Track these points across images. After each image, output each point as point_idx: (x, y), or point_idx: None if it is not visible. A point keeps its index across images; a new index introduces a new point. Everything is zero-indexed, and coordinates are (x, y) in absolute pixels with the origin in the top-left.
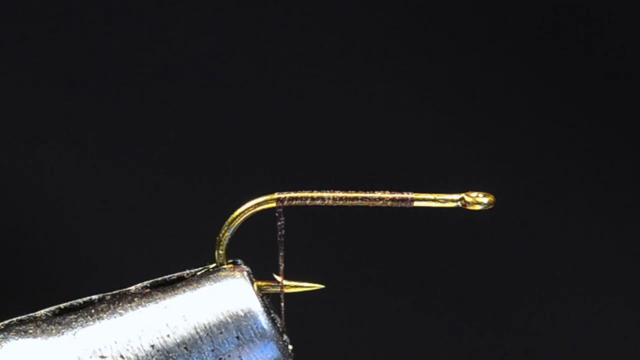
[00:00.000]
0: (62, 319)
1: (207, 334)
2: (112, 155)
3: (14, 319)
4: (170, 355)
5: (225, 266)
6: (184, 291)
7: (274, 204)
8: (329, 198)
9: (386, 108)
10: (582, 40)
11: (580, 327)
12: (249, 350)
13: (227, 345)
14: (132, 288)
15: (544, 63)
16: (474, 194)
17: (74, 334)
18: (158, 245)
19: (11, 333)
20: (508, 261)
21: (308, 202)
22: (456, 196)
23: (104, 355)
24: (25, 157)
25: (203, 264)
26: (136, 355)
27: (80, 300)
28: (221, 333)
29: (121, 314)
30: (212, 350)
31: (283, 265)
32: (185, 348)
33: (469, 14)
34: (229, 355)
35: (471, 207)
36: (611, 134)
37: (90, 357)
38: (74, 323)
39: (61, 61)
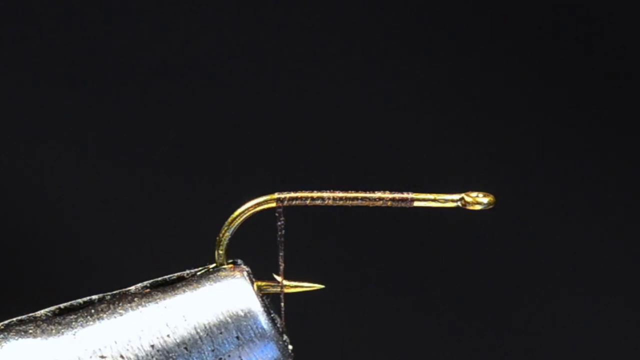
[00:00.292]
0: (62, 319)
1: (207, 334)
2: (112, 155)
3: (14, 319)
4: (170, 355)
5: (225, 266)
6: (184, 291)
7: (274, 204)
8: (329, 198)
9: (386, 108)
10: (582, 40)
11: (580, 327)
12: (249, 350)
13: (227, 345)
14: (132, 288)
15: (544, 63)
16: (474, 194)
17: (74, 334)
18: (158, 245)
19: (11, 333)
20: (508, 261)
21: (308, 202)
22: (456, 196)
23: (104, 355)
24: (25, 157)
25: (203, 264)
26: (136, 355)
27: (80, 300)
28: (221, 333)
29: (121, 314)
30: (212, 350)
31: (283, 265)
32: (185, 348)
33: (469, 14)
34: (229, 355)
35: (471, 207)
36: (611, 134)
37: (90, 357)
38: (74, 323)
39: (61, 61)
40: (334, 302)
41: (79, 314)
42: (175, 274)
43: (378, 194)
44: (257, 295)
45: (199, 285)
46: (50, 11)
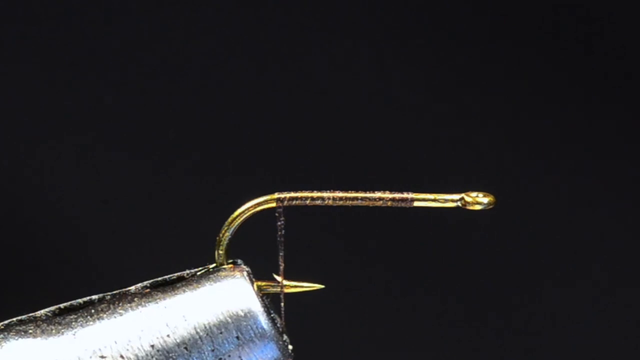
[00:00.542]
0: (62, 319)
1: (207, 334)
2: (112, 155)
3: (14, 319)
4: (170, 355)
5: (225, 266)
6: (184, 291)
7: (274, 204)
8: (329, 198)
9: (386, 108)
10: (582, 40)
11: (580, 327)
12: (249, 350)
13: (227, 345)
14: (132, 288)
15: (544, 63)
16: (474, 194)
17: (74, 334)
18: (158, 245)
19: (11, 333)
20: (508, 261)
21: (308, 202)
22: (456, 196)
23: (104, 355)
24: (25, 157)
25: (203, 264)
26: (136, 355)
27: (80, 300)
28: (221, 333)
29: (121, 314)
30: (212, 350)
31: (283, 265)
32: (185, 348)
33: (469, 14)
34: (229, 355)
35: (471, 207)
36: (611, 134)
37: (90, 357)
38: (74, 323)
39: (61, 61)
40: (334, 302)
41: (79, 314)
42: (175, 274)
43: (378, 194)
44: (257, 295)
45: (199, 285)
46: (50, 11)
